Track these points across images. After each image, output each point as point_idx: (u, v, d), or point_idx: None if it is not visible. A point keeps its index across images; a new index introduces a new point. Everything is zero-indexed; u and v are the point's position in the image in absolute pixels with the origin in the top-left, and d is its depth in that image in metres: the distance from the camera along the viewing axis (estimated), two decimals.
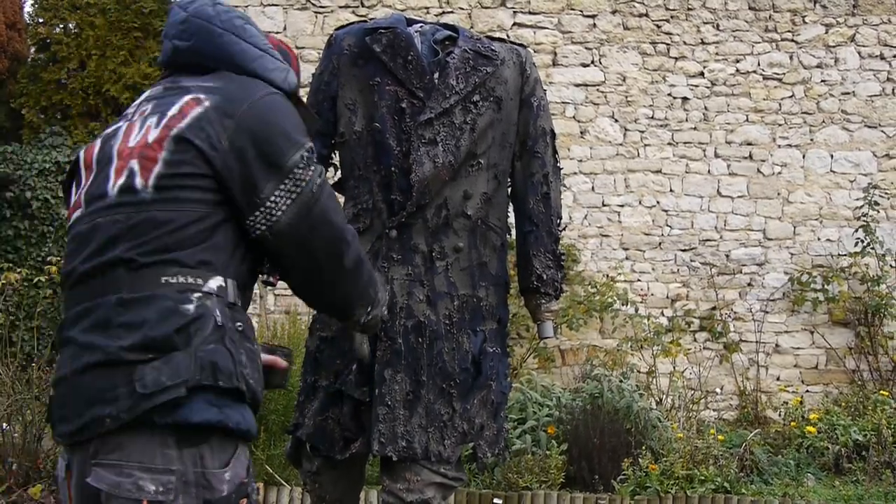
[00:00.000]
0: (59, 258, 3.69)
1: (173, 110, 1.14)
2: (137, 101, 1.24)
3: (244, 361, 1.14)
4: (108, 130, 1.23)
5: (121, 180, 1.12)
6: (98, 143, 1.21)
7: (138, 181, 1.11)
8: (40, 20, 7.28)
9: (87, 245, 1.13)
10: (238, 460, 1.16)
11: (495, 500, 3.01)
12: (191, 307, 1.11)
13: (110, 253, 1.11)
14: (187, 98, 1.15)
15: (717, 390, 4.64)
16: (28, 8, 7.69)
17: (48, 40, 7.07)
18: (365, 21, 1.91)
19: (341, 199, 1.84)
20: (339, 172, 1.87)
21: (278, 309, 4.49)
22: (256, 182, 1.13)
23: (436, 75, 1.74)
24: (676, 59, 4.78)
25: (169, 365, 1.08)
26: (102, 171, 1.16)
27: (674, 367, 4.44)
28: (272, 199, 1.14)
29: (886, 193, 4.75)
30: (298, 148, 1.16)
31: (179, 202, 1.11)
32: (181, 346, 1.09)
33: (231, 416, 1.12)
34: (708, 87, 4.78)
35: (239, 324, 1.16)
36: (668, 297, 4.76)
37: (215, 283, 1.14)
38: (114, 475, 1.08)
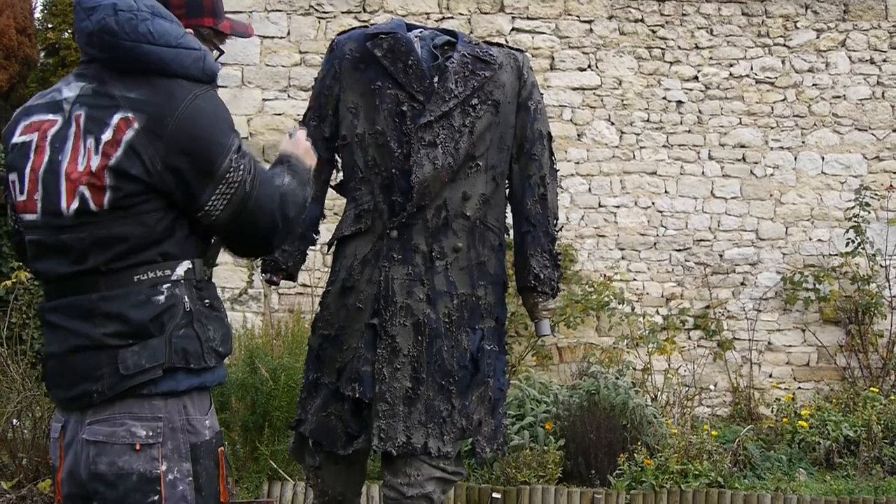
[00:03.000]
0: None
1: (107, 134, 1.19)
2: (68, 95, 1.25)
3: (211, 336, 1.27)
4: (42, 120, 1.26)
5: (74, 204, 1.20)
6: (36, 140, 1.25)
7: (92, 206, 1.20)
8: (49, 25, 7.35)
9: (60, 256, 1.23)
10: (212, 414, 1.30)
11: (494, 495, 3.04)
12: (162, 297, 1.23)
13: (84, 265, 1.22)
14: (118, 119, 1.20)
15: (711, 387, 4.68)
16: (38, 14, 7.76)
17: (57, 45, 7.13)
18: (366, 26, 1.93)
19: (342, 202, 1.91)
20: (340, 174, 1.89)
21: (282, 307, 4.55)
22: (194, 193, 1.23)
23: (435, 79, 1.77)
24: (671, 63, 4.85)
25: (147, 350, 1.21)
26: (51, 185, 1.22)
27: (668, 365, 4.50)
28: (209, 203, 1.24)
29: (876, 195, 4.78)
30: (227, 152, 1.24)
31: (135, 216, 1.21)
32: (156, 332, 1.22)
33: (207, 378, 1.27)
34: (702, 91, 4.84)
35: (206, 300, 1.29)
36: (663, 295, 4.81)
37: (182, 268, 1.25)
38: (108, 427, 1.21)
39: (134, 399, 1.21)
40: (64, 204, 1.21)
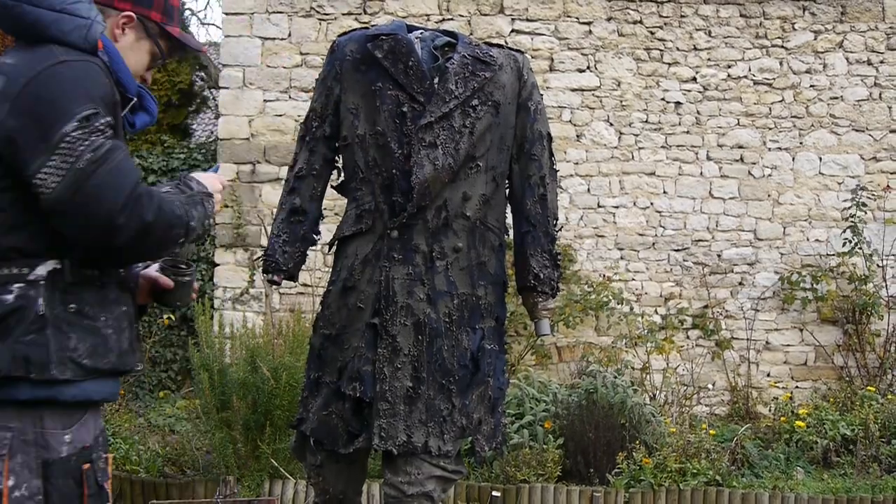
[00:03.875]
0: None
1: None
2: None
3: (72, 346, 1.14)
4: None
5: None
6: None
7: None
8: None
9: None
10: (83, 426, 1.17)
11: (494, 493, 3.04)
12: (10, 297, 1.11)
13: None
14: None
15: (709, 386, 4.71)
16: None
17: None
18: (367, 28, 1.91)
19: (343, 202, 1.93)
20: (342, 175, 1.90)
21: (283, 307, 4.57)
22: (24, 159, 1.09)
23: (436, 80, 1.76)
24: (670, 64, 4.87)
25: None
26: None
27: (667, 364, 4.53)
28: (39, 175, 1.08)
29: (873, 195, 4.81)
30: (70, 120, 1.09)
31: None
32: (1, 337, 1.10)
33: (63, 392, 1.14)
34: (700, 92, 4.86)
35: (72, 305, 1.15)
36: (661, 295, 4.83)
37: (45, 268, 1.13)
38: None
39: None
40: None
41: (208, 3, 16.83)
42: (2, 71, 1.13)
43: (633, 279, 4.80)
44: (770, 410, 4.38)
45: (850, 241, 4.64)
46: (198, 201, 1.25)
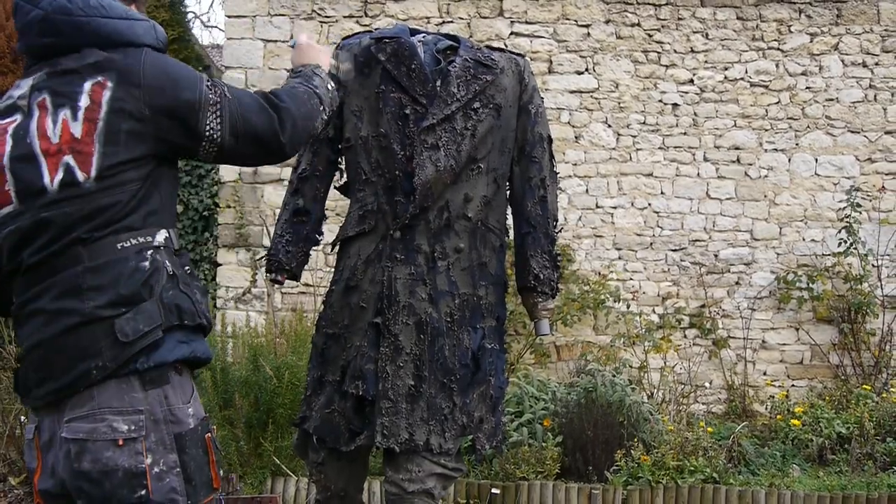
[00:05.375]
0: None
1: (84, 100, 1.17)
2: (21, 93, 1.24)
3: (199, 298, 1.28)
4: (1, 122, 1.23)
5: (58, 176, 1.17)
6: None
7: (79, 175, 1.17)
8: None
9: (37, 238, 1.19)
10: (196, 400, 1.27)
11: (493, 491, 3.06)
12: (146, 263, 1.22)
13: (66, 238, 1.19)
14: (90, 85, 1.19)
15: (707, 385, 4.73)
16: None
17: None
18: (370, 31, 1.93)
19: (344, 203, 1.93)
20: (344, 176, 1.92)
21: (285, 307, 4.59)
22: (190, 123, 1.24)
23: (438, 83, 1.78)
24: (667, 66, 4.90)
25: (142, 314, 1.20)
26: (24, 168, 1.19)
27: (665, 363, 4.56)
28: (209, 128, 1.25)
29: (868, 196, 4.84)
30: (197, 80, 1.26)
31: (122, 185, 1.20)
32: (147, 297, 1.21)
33: (197, 349, 1.26)
34: (697, 94, 4.89)
35: (186, 267, 1.29)
36: (659, 295, 4.86)
37: (161, 236, 1.26)
38: (88, 423, 1.18)
39: (114, 387, 1.18)
40: (47, 179, 1.18)
41: (211, 5, 16.81)
42: (98, 71, 1.20)
43: (631, 279, 4.83)
44: (766, 409, 4.41)
45: (846, 242, 4.67)
46: (309, 74, 1.42)
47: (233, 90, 1.30)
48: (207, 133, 1.25)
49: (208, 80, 1.28)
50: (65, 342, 1.18)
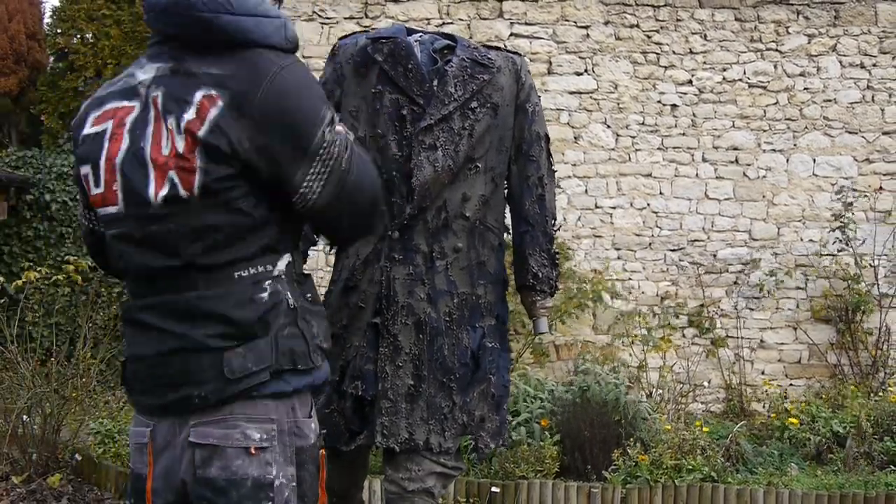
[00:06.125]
0: (76, 258, 3.79)
1: (190, 113, 1.09)
2: (144, 78, 1.15)
3: (315, 332, 1.18)
4: (117, 107, 1.16)
5: (163, 191, 1.10)
6: (111, 128, 1.15)
7: (182, 192, 1.10)
8: (59, 31, 7.45)
9: (151, 250, 1.13)
10: (315, 414, 1.21)
11: (493, 489, 3.08)
12: (265, 295, 1.13)
13: (176, 259, 1.12)
14: (200, 97, 1.10)
15: (705, 384, 4.74)
16: (47, 19, 7.84)
17: (66, 50, 7.23)
18: (368, 31, 1.90)
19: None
20: None
21: None
22: (287, 174, 1.11)
23: (435, 83, 1.76)
24: (666, 67, 4.92)
25: (253, 352, 1.11)
26: (135, 173, 1.12)
27: (663, 362, 4.56)
28: (305, 184, 1.12)
29: (865, 196, 4.87)
30: (318, 125, 1.12)
31: (228, 204, 1.11)
32: (261, 332, 1.12)
33: (317, 376, 1.19)
34: (696, 95, 4.91)
35: (308, 295, 1.20)
36: (657, 294, 4.88)
37: (283, 263, 1.16)
38: (220, 429, 1.11)
39: (246, 400, 1.11)
40: (152, 192, 1.10)
41: None
42: (215, 84, 1.10)
43: (630, 279, 4.85)
44: (764, 408, 4.42)
45: (843, 242, 4.69)
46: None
47: (355, 149, 1.17)
48: (302, 188, 1.13)
49: (329, 124, 1.14)
50: (168, 363, 1.13)
